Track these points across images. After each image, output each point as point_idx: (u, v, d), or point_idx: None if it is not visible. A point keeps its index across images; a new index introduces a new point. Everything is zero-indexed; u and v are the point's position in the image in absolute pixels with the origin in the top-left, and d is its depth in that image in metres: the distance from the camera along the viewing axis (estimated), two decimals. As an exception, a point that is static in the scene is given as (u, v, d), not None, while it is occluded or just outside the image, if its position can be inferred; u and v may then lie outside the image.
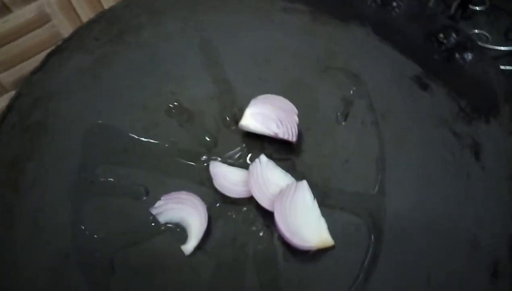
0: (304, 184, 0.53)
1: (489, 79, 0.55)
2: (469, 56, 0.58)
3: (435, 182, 0.52)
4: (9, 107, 0.63)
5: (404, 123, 0.57)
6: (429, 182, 0.52)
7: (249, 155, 0.59)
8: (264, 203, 0.53)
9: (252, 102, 0.59)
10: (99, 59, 0.67)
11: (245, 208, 0.55)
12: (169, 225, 0.54)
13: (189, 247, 0.52)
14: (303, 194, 0.53)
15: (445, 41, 0.61)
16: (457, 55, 0.59)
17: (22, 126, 0.61)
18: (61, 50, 0.67)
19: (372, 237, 0.51)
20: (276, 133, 0.57)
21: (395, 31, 0.65)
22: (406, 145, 0.56)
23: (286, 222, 0.51)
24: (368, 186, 0.54)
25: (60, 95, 0.64)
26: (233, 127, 0.61)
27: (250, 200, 0.55)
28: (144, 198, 0.56)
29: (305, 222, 0.51)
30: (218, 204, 0.55)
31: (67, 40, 0.68)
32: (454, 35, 0.61)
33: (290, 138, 0.57)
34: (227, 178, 0.56)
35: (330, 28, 0.67)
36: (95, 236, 0.54)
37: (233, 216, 0.55)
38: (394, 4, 0.66)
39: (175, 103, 0.63)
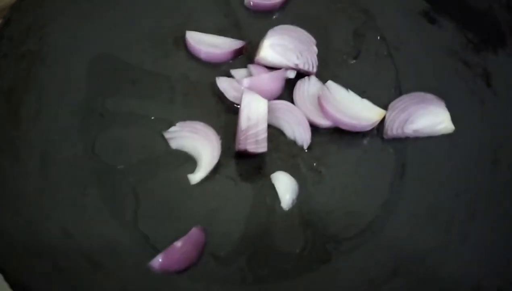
0: (331, 83, 0.55)
1: (494, 13, 0.58)
2: (474, -9, 0.60)
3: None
4: (-1, 35, 0.57)
5: (417, 55, 0.60)
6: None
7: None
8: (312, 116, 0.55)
9: (270, 33, 0.58)
10: (96, -16, 0.62)
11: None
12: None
13: (196, 177, 0.51)
14: (337, 89, 0.55)
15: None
16: (462, -10, 0.61)
17: (15, 55, 0.55)
18: (52, -27, 0.61)
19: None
20: (296, 65, 0.57)
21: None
22: (422, 75, 0.58)
23: (344, 114, 0.53)
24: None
25: (55, 23, 0.58)
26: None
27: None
28: (162, 130, 0.54)
29: (356, 107, 0.54)
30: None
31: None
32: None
33: (310, 69, 0.57)
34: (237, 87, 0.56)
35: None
36: (117, 167, 0.51)
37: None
38: None
39: (183, 35, 0.60)
